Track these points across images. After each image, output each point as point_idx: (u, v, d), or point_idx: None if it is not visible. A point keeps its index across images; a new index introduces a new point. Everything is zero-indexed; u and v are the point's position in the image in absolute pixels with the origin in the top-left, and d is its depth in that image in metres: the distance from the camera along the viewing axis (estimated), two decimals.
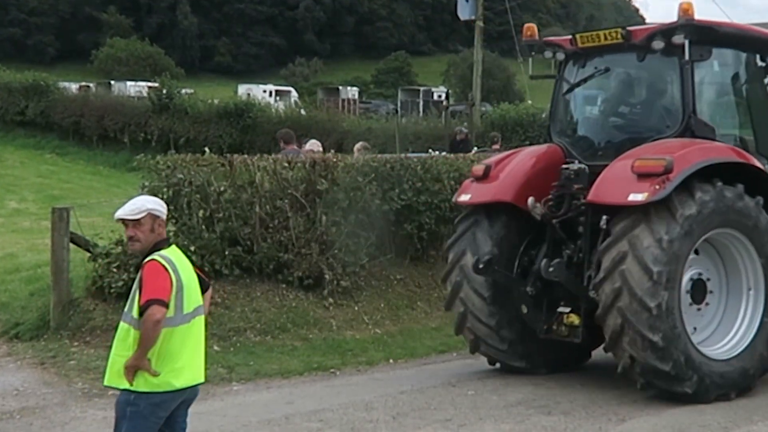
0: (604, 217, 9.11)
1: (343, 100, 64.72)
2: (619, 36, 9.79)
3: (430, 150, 21.44)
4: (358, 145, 15.85)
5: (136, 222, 5.66)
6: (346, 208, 12.05)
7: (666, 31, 9.49)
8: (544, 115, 27.21)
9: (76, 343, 10.25)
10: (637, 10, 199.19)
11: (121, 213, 5.68)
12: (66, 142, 36.25)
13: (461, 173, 13.35)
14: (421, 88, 77.82)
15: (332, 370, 10.16)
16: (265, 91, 62.89)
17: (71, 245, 10.84)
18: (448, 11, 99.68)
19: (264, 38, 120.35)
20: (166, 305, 5.51)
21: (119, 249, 10.91)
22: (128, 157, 29.52)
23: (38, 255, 14.11)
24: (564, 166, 9.89)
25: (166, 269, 5.59)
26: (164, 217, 5.77)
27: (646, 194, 8.64)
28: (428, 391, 9.32)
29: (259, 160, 12.09)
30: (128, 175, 27.13)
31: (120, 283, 10.58)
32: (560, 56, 10.51)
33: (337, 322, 11.62)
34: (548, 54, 10.60)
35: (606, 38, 9.93)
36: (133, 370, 5.51)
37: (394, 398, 9.05)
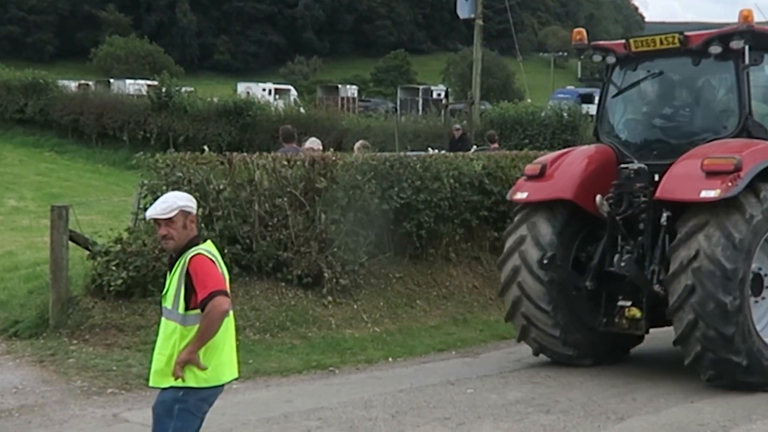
0: (665, 214, 9.56)
1: (343, 99, 64.77)
2: (676, 41, 10.19)
3: (430, 148, 21.46)
4: (358, 144, 15.86)
5: (169, 221, 5.60)
6: (345, 206, 12.05)
7: (724, 37, 9.92)
8: (543, 114, 27.30)
9: (75, 341, 10.25)
10: (636, 8, 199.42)
11: (152, 212, 5.63)
12: (65, 140, 36.23)
13: (460, 172, 13.37)
14: (421, 87, 77.84)
15: (331, 368, 10.16)
16: (264, 90, 62.91)
17: (70, 243, 10.84)
18: (447, 9, 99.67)
19: (263, 36, 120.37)
20: (228, 295, 5.51)
21: (118, 247, 10.92)
22: (127, 155, 29.51)
23: (37, 253, 14.12)
24: (623, 165, 10.23)
25: (214, 262, 5.58)
26: (195, 212, 5.71)
27: (718, 191, 9.01)
28: (427, 390, 9.33)
29: (258, 159, 12.10)
30: (127, 173, 27.12)
31: (119, 281, 10.58)
32: (610, 60, 10.84)
33: (336, 320, 11.62)
34: (597, 57, 11.01)
35: (662, 43, 10.34)
36: (183, 364, 5.47)
37: (393, 396, 9.06)
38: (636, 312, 9.89)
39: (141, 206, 11.66)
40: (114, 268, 10.74)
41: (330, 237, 11.94)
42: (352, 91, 73.78)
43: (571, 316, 10.15)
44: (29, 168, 31.01)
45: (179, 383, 5.51)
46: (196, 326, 5.50)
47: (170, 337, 5.57)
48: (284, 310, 11.38)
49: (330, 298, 11.81)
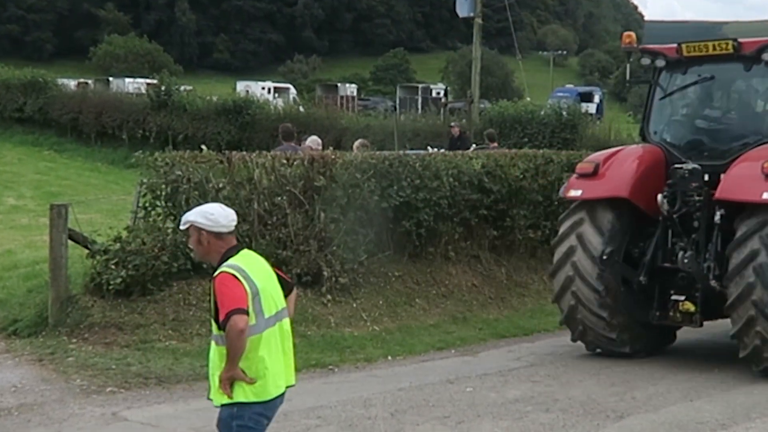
0: (719, 212, 10.08)
1: (342, 97, 64.70)
2: (729, 47, 10.67)
3: (429, 147, 21.44)
4: (357, 143, 15.84)
5: (185, 231, 5.67)
6: (344, 205, 12.05)
7: None
8: (543, 113, 27.27)
9: (74, 340, 10.24)
10: (635, 7, 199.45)
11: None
12: (64, 139, 36.18)
13: (460, 170, 13.37)
14: (420, 85, 77.84)
15: (330, 366, 10.16)
16: (263, 88, 62.89)
17: (69, 242, 10.83)
18: (446, 8, 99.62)
19: (262, 35, 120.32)
20: (247, 312, 5.36)
21: (117, 246, 10.92)
22: (126, 153, 29.48)
23: (36, 252, 14.11)
24: (677, 165, 10.55)
25: (235, 278, 5.44)
26: (215, 229, 5.55)
27: None
28: (426, 388, 9.33)
29: (258, 157, 12.09)
30: (126, 172, 27.09)
31: (118, 280, 10.58)
32: (659, 63, 11.23)
33: (335, 318, 11.62)
34: (645, 61, 11.37)
35: (714, 48, 10.80)
36: (227, 382, 5.43)
37: (393, 395, 9.06)
38: (690, 306, 10.33)
39: (140, 205, 11.66)
40: (113, 266, 10.73)
41: (329, 235, 11.94)
42: (351, 89, 73.75)
43: (625, 316, 10.56)
44: (28, 167, 30.97)
45: (231, 400, 5.48)
46: None
47: (213, 357, 5.57)
48: None
49: (329, 297, 11.81)
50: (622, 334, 10.57)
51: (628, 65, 12.33)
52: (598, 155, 11.14)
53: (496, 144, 21.19)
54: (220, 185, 11.55)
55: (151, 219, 11.51)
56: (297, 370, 9.78)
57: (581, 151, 16.48)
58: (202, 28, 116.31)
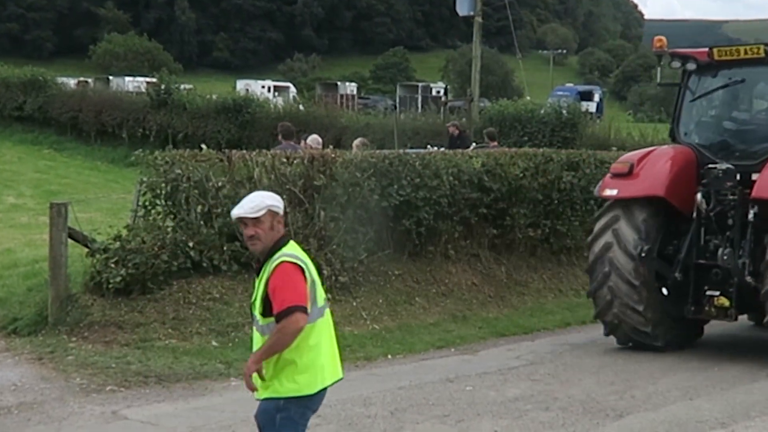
0: (752, 210, 10.51)
1: (342, 96, 64.71)
2: (761, 51, 11.04)
3: (429, 146, 21.45)
4: (356, 142, 15.85)
5: (256, 220, 5.30)
6: (344, 203, 12.05)
7: None
8: (543, 111, 27.28)
9: (74, 339, 10.23)
10: (635, 5, 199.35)
11: (239, 211, 5.33)
12: (64, 138, 36.16)
13: (459, 169, 13.37)
14: (420, 84, 77.89)
15: None
16: (263, 87, 62.95)
17: (69, 241, 10.83)
18: (446, 7, 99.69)
19: (262, 33, 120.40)
20: (307, 311, 5.24)
21: (117, 244, 10.91)
22: (126, 152, 29.45)
23: (36, 250, 14.10)
24: (710, 165, 10.94)
25: (300, 269, 5.28)
26: (282, 213, 5.44)
27: None
28: (426, 387, 9.33)
29: (258, 156, 12.09)
30: (126, 171, 27.08)
31: (118, 279, 10.57)
32: (690, 67, 11.63)
33: (335, 317, 11.50)
34: (676, 64, 11.75)
35: (746, 53, 11.20)
36: (250, 375, 5.24)
37: (393, 393, 9.06)
38: (724, 301, 10.66)
39: (140, 203, 11.66)
40: (113, 265, 10.72)
41: (329, 234, 11.94)
42: (351, 88, 73.78)
43: (660, 311, 10.91)
44: (28, 165, 30.97)
45: (278, 394, 5.31)
46: None
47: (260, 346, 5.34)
48: None
49: (329, 295, 11.77)
50: (656, 328, 10.91)
51: (659, 69, 12.70)
52: (632, 156, 11.53)
53: (496, 143, 21.17)
54: (220, 184, 11.54)
55: (150, 218, 11.50)
56: None
57: (581, 150, 16.50)
58: (201, 27, 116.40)
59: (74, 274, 11.09)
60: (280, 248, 5.35)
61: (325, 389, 5.46)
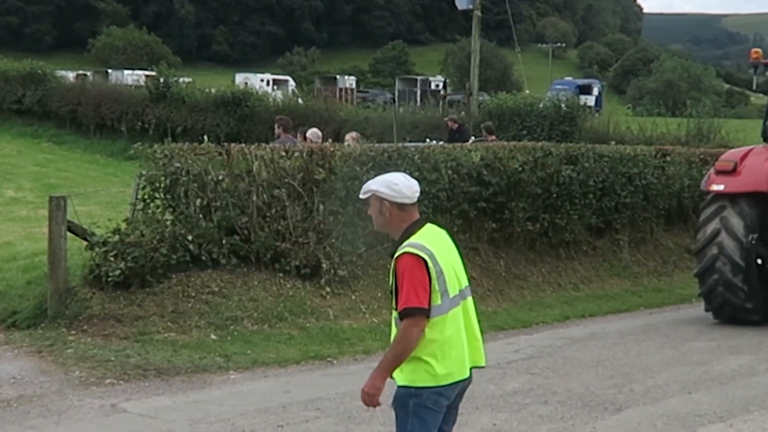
0: None
1: (341, 90, 64.74)
2: None
3: (428, 139, 21.43)
4: (349, 135, 15.75)
5: (366, 201, 5.31)
6: (343, 197, 12.05)
7: None
8: (542, 105, 27.28)
9: (73, 332, 10.24)
10: (634, 0, 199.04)
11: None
12: (63, 131, 36.14)
13: (458, 163, 13.36)
14: (419, 78, 77.91)
15: (329, 359, 10.17)
16: (262, 80, 62.88)
17: (68, 234, 10.83)
18: (445, 0, 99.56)
19: (261, 27, 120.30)
20: (428, 314, 5.05)
21: (116, 238, 10.91)
22: (125, 145, 29.42)
23: (35, 243, 14.10)
24: None
25: (422, 262, 5.08)
26: (398, 200, 5.21)
27: None
28: None
29: (257, 149, 12.08)
30: (125, 164, 27.06)
31: (117, 272, 10.57)
32: None
33: (334, 311, 11.62)
34: None
35: None
36: (378, 392, 5.27)
37: (391, 387, 9.04)
38: None
39: (139, 197, 11.66)
40: (112, 258, 10.72)
41: (328, 228, 11.93)
42: (350, 82, 73.75)
43: (761, 290, 12.34)
44: (27, 158, 30.95)
45: (411, 383, 5.28)
46: None
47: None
48: (282, 301, 11.38)
49: (328, 289, 11.81)
50: (756, 304, 12.32)
51: (755, 78, 14.55)
52: (733, 154, 12.93)
53: (494, 136, 21.17)
54: (219, 177, 11.54)
55: (150, 211, 11.50)
56: (296, 362, 9.92)
57: (580, 144, 16.49)
58: (201, 20, 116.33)
59: (73, 267, 11.09)
60: (408, 236, 5.23)
61: (464, 380, 5.44)
